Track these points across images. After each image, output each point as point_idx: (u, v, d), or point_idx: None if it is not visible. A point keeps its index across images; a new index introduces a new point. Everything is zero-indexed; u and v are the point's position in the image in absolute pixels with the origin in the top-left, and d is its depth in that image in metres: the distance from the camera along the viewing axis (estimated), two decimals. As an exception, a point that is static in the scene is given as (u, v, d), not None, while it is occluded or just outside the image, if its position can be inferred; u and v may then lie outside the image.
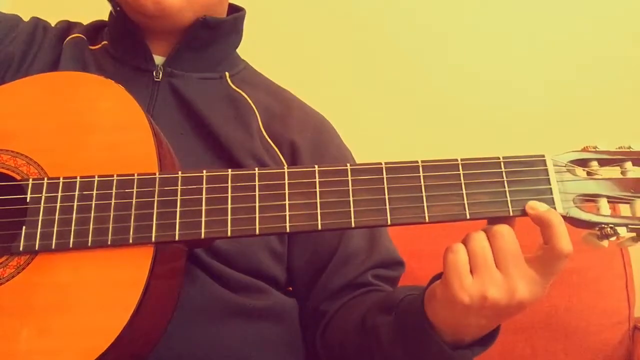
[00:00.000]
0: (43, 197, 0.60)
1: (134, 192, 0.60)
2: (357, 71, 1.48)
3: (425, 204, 0.60)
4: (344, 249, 0.83)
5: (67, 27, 0.89)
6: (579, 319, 1.10)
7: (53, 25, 0.90)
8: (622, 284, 1.13)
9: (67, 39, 0.86)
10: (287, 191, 0.61)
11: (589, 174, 0.62)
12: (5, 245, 0.60)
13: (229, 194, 0.61)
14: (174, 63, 0.83)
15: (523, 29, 1.45)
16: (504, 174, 0.61)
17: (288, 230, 0.59)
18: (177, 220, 0.59)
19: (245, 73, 0.92)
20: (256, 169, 0.62)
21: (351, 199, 0.60)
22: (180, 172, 0.62)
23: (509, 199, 0.60)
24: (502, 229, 0.59)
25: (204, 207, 0.60)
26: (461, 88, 1.45)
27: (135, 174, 0.61)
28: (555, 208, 0.60)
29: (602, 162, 0.63)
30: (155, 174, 0.61)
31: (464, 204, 0.60)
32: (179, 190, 0.61)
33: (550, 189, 0.61)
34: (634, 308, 1.12)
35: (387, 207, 0.60)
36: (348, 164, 0.62)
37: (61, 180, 0.61)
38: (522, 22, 1.45)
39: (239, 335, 0.74)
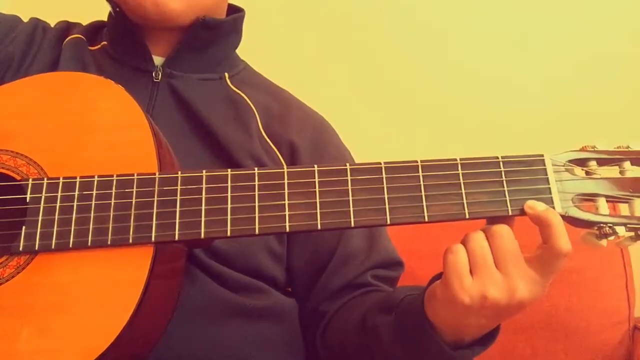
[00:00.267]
0: (43, 197, 0.60)
1: (134, 192, 0.60)
2: (356, 71, 1.48)
3: (424, 204, 0.60)
4: (343, 249, 0.83)
5: (67, 27, 0.89)
6: (579, 319, 1.10)
7: (52, 25, 0.90)
8: (622, 284, 1.13)
9: (67, 39, 0.86)
10: (286, 191, 0.61)
11: (587, 173, 0.62)
12: (5, 245, 0.60)
13: (229, 194, 0.61)
14: (174, 64, 0.83)
15: (522, 28, 1.45)
16: (502, 173, 0.61)
17: (287, 229, 0.60)
18: (177, 220, 0.60)
19: (245, 73, 0.92)
20: (255, 168, 0.62)
21: (350, 198, 0.60)
22: (179, 172, 0.62)
23: (507, 198, 0.60)
24: (501, 229, 0.59)
25: (203, 207, 0.60)
26: (460, 87, 1.45)
27: (135, 174, 0.61)
28: (554, 207, 0.60)
29: (601, 162, 0.63)
30: (155, 174, 0.61)
31: (463, 203, 0.60)
32: (179, 190, 0.61)
33: (549, 188, 0.61)
34: (634, 308, 1.12)
35: (387, 206, 0.60)
36: (347, 164, 0.62)
37: (61, 180, 0.61)
38: (522, 22, 1.45)
39: (239, 335, 0.74)
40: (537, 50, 1.44)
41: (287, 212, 0.60)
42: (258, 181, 0.61)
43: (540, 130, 1.40)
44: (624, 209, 0.62)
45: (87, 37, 0.87)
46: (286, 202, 0.60)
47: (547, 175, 0.61)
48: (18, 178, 0.62)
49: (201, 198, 0.60)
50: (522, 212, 0.60)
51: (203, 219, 0.60)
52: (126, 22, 0.82)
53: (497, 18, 1.46)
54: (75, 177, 0.61)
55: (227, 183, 0.61)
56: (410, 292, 0.69)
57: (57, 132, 0.64)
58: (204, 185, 0.61)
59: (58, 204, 0.60)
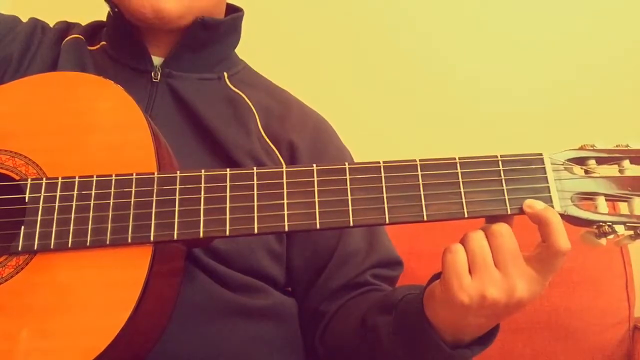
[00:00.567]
0: (42, 197, 0.60)
1: (133, 192, 0.60)
2: (356, 71, 1.48)
3: (423, 203, 0.60)
4: (342, 249, 0.83)
5: (66, 27, 0.89)
6: (579, 319, 1.10)
7: (52, 25, 0.90)
8: (622, 284, 1.13)
9: (66, 39, 0.86)
10: (285, 190, 0.61)
11: (586, 172, 0.62)
12: (4, 245, 0.60)
13: (228, 194, 0.61)
14: (172, 64, 0.83)
15: (522, 28, 1.45)
16: (501, 172, 0.61)
17: (286, 229, 0.60)
18: (176, 220, 0.59)
19: (244, 73, 0.92)
20: (254, 168, 0.62)
21: (349, 197, 0.60)
22: (178, 172, 0.62)
23: (506, 197, 0.60)
24: (501, 228, 0.59)
25: (202, 207, 0.60)
26: (459, 87, 1.45)
27: (134, 174, 0.61)
28: (553, 206, 0.60)
29: (600, 161, 0.63)
30: (153, 173, 0.61)
31: (462, 202, 0.60)
32: (178, 189, 0.61)
33: (548, 187, 0.61)
34: (634, 308, 1.12)
35: (386, 205, 0.60)
36: (346, 163, 0.62)
37: (60, 180, 0.61)
38: (521, 22, 1.45)
39: (238, 335, 0.74)
40: (536, 50, 1.44)
41: (285, 212, 0.60)
42: (257, 181, 0.61)
43: (539, 129, 1.40)
44: (623, 207, 0.62)
45: (86, 37, 0.87)
46: (285, 201, 0.60)
47: (546, 174, 0.61)
48: (17, 178, 0.62)
49: (200, 198, 0.60)
50: (521, 211, 0.60)
51: (202, 218, 0.60)
52: (125, 23, 0.82)
53: (496, 18, 1.47)
54: (74, 177, 0.61)
55: (225, 182, 0.61)
56: (409, 292, 0.69)
57: (56, 132, 0.64)
58: (202, 185, 0.61)
59: (57, 204, 0.60)
